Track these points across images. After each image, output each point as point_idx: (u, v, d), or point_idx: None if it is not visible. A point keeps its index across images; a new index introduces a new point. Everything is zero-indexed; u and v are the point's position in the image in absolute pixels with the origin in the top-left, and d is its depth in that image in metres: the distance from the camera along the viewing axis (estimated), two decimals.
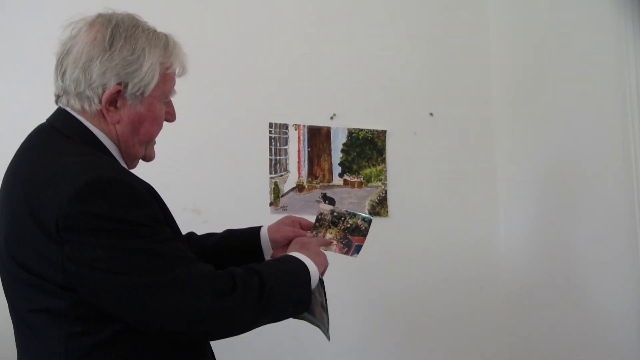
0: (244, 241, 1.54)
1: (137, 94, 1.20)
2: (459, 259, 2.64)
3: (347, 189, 2.53)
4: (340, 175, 2.53)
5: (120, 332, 1.10)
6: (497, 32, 2.75)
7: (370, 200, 2.54)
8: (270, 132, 2.46)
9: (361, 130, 2.56)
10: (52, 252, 1.05)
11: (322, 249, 1.45)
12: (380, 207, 2.55)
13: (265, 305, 1.16)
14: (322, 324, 1.42)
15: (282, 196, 2.44)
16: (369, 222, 1.59)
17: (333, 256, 2.34)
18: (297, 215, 1.61)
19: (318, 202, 2.45)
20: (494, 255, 2.69)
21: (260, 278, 1.17)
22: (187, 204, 2.31)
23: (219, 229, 1.59)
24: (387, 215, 2.56)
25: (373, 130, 2.58)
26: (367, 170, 2.56)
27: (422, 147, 2.66)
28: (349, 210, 1.59)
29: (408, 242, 2.59)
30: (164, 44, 1.24)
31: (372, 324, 2.52)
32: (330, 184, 2.51)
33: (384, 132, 2.59)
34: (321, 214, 1.59)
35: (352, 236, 1.57)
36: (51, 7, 2.20)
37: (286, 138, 2.47)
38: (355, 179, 2.54)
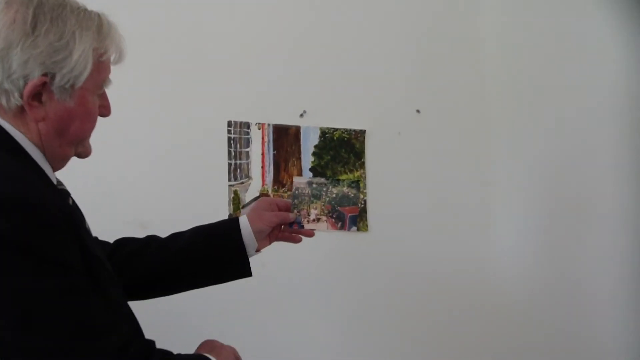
0: (221, 235, 1.48)
1: (67, 86, 1.12)
2: (448, 279, 2.52)
3: None
4: None
5: None
6: (492, 20, 2.69)
7: None
8: (229, 131, 2.36)
9: (336, 129, 2.46)
10: None
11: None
12: (358, 220, 2.41)
13: None
14: None
15: (244, 207, 2.33)
16: (357, 186, 1.52)
17: (299, 264, 2.29)
18: (271, 197, 1.51)
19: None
20: (487, 274, 2.57)
21: None
22: (130, 216, 2.17)
23: None
24: (366, 230, 2.43)
25: (350, 129, 2.47)
26: (343, 177, 2.45)
27: (408, 149, 2.55)
28: (331, 178, 1.45)
29: (390, 260, 2.46)
30: (97, 26, 1.16)
31: (350, 347, 2.41)
32: None
33: (362, 132, 2.48)
34: (297, 188, 1.49)
35: (342, 207, 1.49)
36: None
37: (248, 139, 2.37)
38: None
